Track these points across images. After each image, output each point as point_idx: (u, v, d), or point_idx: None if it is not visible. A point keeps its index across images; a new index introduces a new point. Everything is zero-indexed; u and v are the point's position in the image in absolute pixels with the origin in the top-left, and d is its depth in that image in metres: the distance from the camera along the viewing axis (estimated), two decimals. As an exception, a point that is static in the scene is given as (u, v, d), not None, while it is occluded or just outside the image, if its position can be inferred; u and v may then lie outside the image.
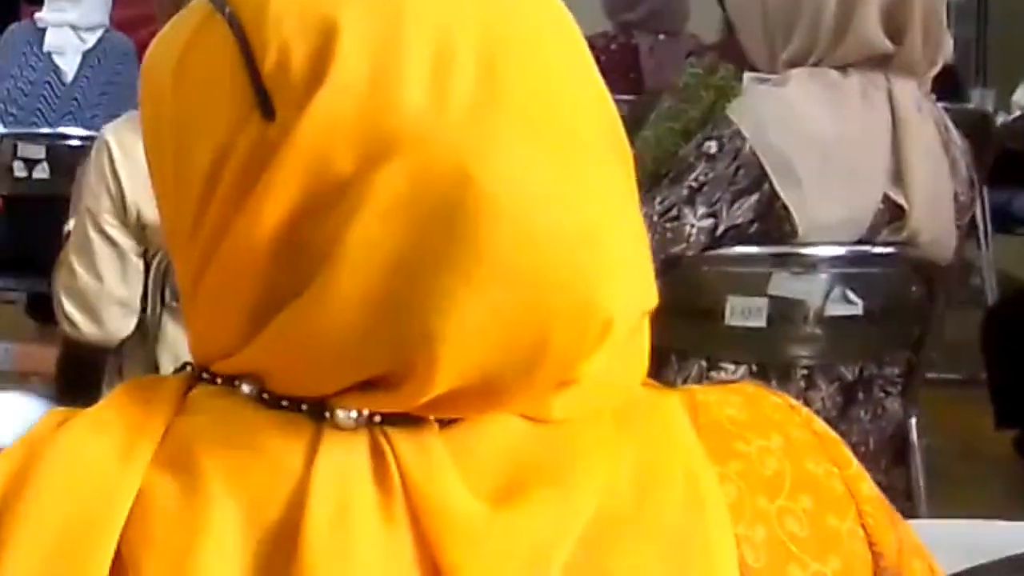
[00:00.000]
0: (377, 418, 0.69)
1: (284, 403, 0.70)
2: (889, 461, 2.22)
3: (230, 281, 0.70)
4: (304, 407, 0.69)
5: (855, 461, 0.79)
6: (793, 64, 2.17)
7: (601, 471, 0.71)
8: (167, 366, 2.44)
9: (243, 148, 0.69)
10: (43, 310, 4.25)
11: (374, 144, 0.66)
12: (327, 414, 0.69)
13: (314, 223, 0.67)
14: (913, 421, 2.25)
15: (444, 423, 0.70)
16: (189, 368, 0.75)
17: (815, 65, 2.15)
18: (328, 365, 0.68)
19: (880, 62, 2.15)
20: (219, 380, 0.72)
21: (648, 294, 0.72)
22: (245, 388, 0.71)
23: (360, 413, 0.69)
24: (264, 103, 0.68)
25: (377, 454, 0.69)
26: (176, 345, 2.44)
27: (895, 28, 2.13)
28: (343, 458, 0.68)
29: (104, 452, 0.70)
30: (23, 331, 4.15)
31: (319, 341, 0.68)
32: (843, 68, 2.14)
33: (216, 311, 0.72)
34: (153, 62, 0.76)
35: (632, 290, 0.70)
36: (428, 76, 0.67)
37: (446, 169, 0.66)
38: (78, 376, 2.99)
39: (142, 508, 0.68)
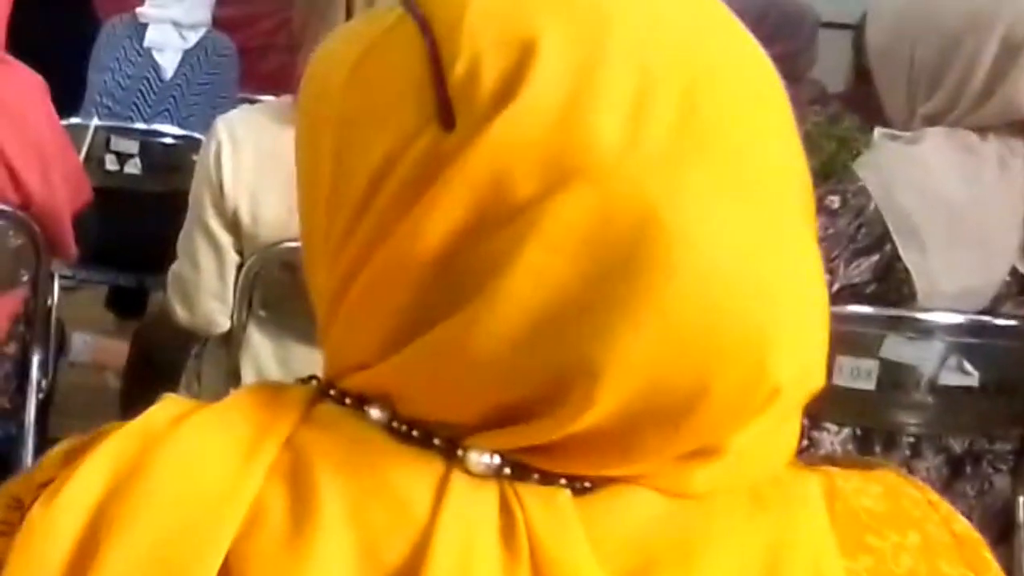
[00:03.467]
0: (507, 470, 0.66)
1: (415, 434, 0.67)
2: (993, 539, 2.15)
3: (379, 294, 0.67)
4: (436, 442, 0.66)
5: (994, 565, 0.76)
6: (931, 120, 2.10)
7: (731, 558, 0.68)
8: (248, 375, 2.41)
9: (414, 157, 0.66)
10: (123, 304, 4.29)
11: (557, 171, 0.63)
12: (459, 452, 0.66)
13: (479, 244, 0.64)
14: (1022, 500, 2.18)
15: (576, 489, 0.66)
16: (315, 382, 0.72)
17: (954, 124, 2.08)
18: (471, 389, 0.65)
19: (1021, 129, 2.08)
20: (347, 400, 0.69)
21: (820, 372, 0.67)
22: (375, 413, 0.68)
23: (493, 459, 0.66)
24: (445, 113, 0.65)
25: (506, 509, 0.65)
26: (259, 354, 2.41)
27: None
28: (471, 509, 0.65)
29: (225, 454, 0.67)
30: (102, 324, 4.16)
31: (465, 364, 0.64)
32: (982, 131, 2.08)
33: (358, 324, 0.69)
34: (324, 61, 0.74)
35: (806, 363, 0.66)
36: (626, 110, 0.64)
37: (632, 207, 0.62)
38: (146, 376, 2.99)
39: (255, 521, 0.65)
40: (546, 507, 0.66)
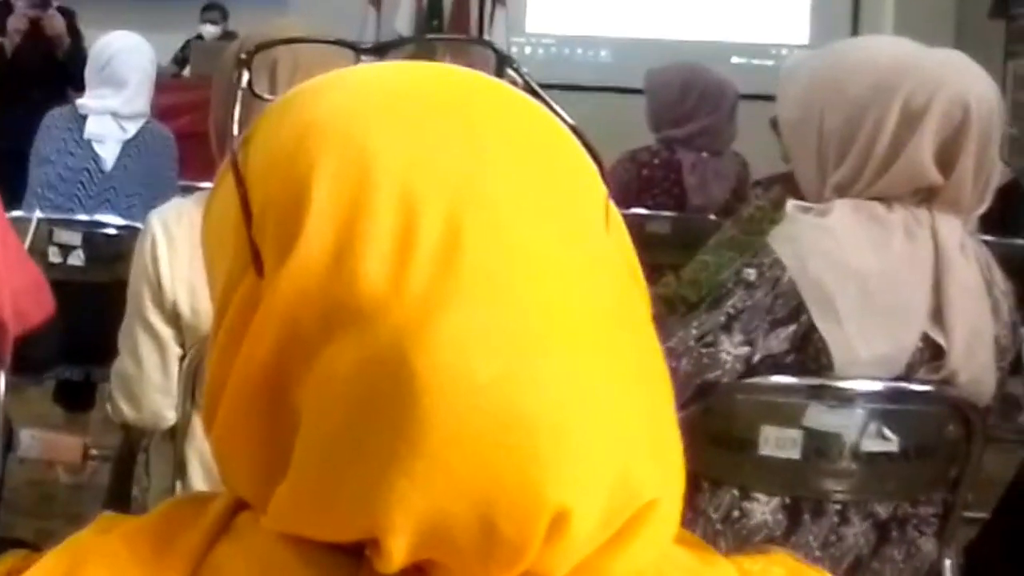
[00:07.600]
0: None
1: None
2: (922, 602, 2.18)
3: (240, 418, 0.69)
4: (345, 544, 0.67)
5: None
6: (840, 189, 2.14)
7: None
8: (195, 467, 2.40)
9: (240, 294, 0.69)
10: (70, 398, 4.26)
11: (333, 320, 0.64)
12: (367, 552, 0.67)
13: (290, 389, 0.66)
14: (948, 563, 2.20)
15: None
16: None
17: (862, 193, 2.12)
18: (326, 530, 0.67)
19: (926, 197, 2.12)
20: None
21: (644, 480, 0.66)
22: None
23: None
24: (256, 260, 0.68)
25: None
26: (204, 446, 2.41)
27: (946, 162, 2.10)
28: None
29: (142, 570, 0.69)
30: (50, 419, 4.15)
31: (310, 510, 0.66)
32: (888, 202, 2.12)
33: (229, 450, 0.71)
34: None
35: (603, 479, 0.65)
36: (390, 249, 0.64)
37: (389, 356, 0.63)
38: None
39: None
40: None
